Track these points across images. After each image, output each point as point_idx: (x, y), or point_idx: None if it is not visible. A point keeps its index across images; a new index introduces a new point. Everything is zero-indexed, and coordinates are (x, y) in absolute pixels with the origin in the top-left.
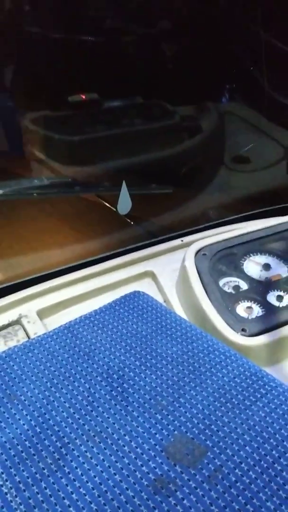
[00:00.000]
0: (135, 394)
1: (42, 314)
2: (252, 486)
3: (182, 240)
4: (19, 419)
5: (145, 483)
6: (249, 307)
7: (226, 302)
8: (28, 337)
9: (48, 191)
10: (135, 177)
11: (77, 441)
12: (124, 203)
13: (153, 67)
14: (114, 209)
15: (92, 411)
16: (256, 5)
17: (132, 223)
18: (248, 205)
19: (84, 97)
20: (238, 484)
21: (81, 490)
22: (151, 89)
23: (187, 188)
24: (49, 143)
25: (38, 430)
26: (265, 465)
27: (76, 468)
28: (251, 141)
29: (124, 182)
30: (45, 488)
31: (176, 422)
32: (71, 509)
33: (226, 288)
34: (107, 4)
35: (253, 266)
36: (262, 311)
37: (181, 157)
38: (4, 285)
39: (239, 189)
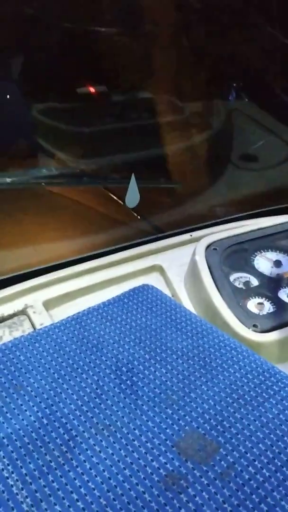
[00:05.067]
0: (144, 387)
1: (48, 305)
2: (266, 484)
3: (191, 235)
4: (26, 410)
5: (156, 478)
6: (260, 303)
7: (237, 298)
8: (34, 327)
9: (56, 181)
10: (143, 171)
11: (85, 434)
12: (133, 196)
13: (162, 62)
14: (122, 203)
15: (100, 403)
16: (268, 3)
17: (139, 217)
18: (255, 203)
19: (93, 89)
20: (251, 482)
21: (89, 484)
22: (160, 84)
23: (196, 184)
24: (58, 134)
25: (45, 422)
26: (279, 463)
27: (84, 461)
28: (259, 140)
29: (133, 175)
30: (52, 481)
31: (187, 417)
32: (79, 503)
33: (236, 284)
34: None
35: (264, 262)
36: (273, 308)
37: (190, 152)
38: (10, 275)
39: (246, 187)
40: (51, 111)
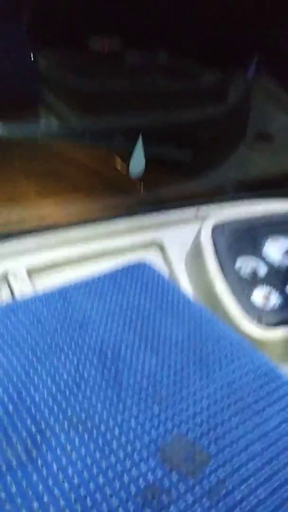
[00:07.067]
0: (130, 379)
1: (32, 272)
2: (261, 508)
3: (197, 210)
4: None
5: (133, 490)
6: (267, 295)
7: (242, 286)
8: (13, 296)
9: (55, 136)
10: (152, 139)
11: (56, 427)
12: (137, 161)
13: (183, 23)
14: (126, 168)
15: (77, 392)
16: None
17: (142, 185)
18: (267, 184)
19: (105, 47)
20: (244, 503)
21: (55, 491)
22: (177, 45)
23: (206, 158)
24: (65, 90)
25: (11, 408)
26: (278, 482)
27: (52, 462)
28: (277, 118)
29: (140, 138)
30: (11, 483)
31: (176, 418)
32: None
33: (243, 271)
34: None
35: (275, 250)
36: (280, 301)
37: (202, 123)
38: None
39: (261, 166)
40: (60, 65)
